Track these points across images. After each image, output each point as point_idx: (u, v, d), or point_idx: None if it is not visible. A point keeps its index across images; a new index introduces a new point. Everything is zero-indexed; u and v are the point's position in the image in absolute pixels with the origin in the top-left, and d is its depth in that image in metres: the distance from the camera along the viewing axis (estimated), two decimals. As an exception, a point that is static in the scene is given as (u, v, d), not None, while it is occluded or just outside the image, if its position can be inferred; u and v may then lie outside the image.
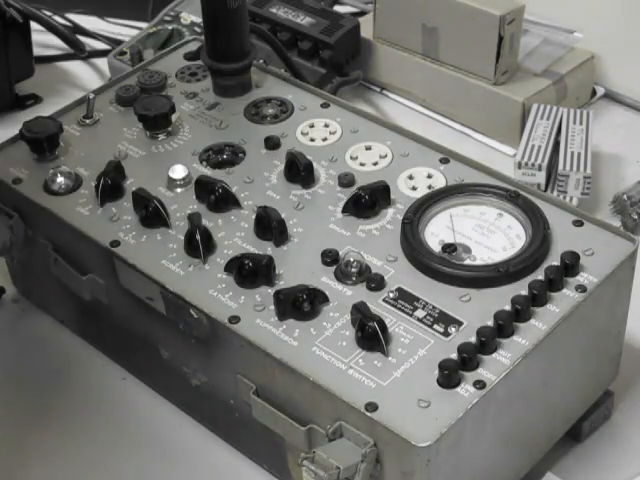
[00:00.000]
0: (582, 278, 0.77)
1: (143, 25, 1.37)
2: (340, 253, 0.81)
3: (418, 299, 0.77)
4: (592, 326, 0.79)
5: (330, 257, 0.80)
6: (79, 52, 1.28)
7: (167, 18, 1.32)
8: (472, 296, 0.77)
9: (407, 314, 0.76)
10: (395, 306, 0.77)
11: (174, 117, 0.94)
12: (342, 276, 0.79)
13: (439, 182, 0.87)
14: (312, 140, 0.93)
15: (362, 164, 0.90)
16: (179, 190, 0.88)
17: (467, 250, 0.80)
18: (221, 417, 0.84)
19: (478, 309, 0.76)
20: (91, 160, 0.92)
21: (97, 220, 0.86)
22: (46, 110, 1.03)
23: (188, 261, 0.81)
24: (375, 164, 0.90)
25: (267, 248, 0.82)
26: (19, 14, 1.22)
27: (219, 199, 0.85)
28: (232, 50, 0.97)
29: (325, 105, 0.97)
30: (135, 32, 1.36)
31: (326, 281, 0.79)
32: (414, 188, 0.87)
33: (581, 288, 0.77)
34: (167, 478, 0.85)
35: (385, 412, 0.69)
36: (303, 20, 1.26)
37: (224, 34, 0.96)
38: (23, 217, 0.90)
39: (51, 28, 1.26)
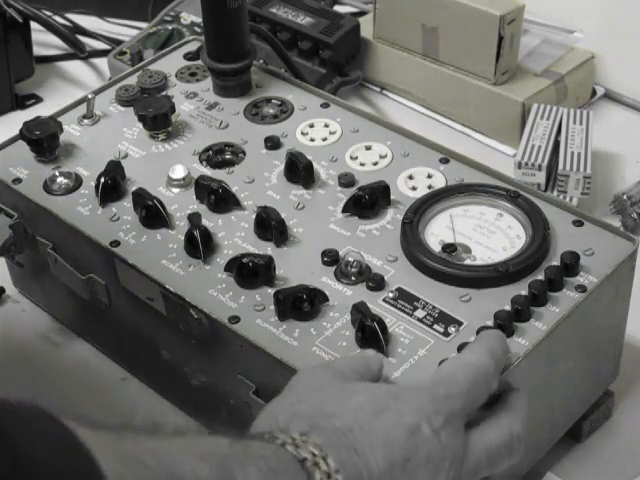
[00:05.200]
0: (582, 278, 0.77)
1: (143, 25, 1.37)
2: (340, 253, 0.81)
3: (418, 299, 0.77)
4: (592, 326, 0.79)
5: (330, 257, 0.80)
6: (79, 52, 1.28)
7: (167, 18, 1.32)
8: (472, 296, 0.77)
9: (407, 314, 0.76)
10: (395, 306, 0.77)
11: (174, 117, 0.94)
12: (342, 276, 0.79)
13: (439, 182, 0.87)
14: (312, 140, 0.93)
15: (362, 164, 0.90)
16: (179, 190, 0.88)
17: (467, 250, 0.80)
18: (221, 417, 0.84)
19: (478, 309, 0.76)
20: (91, 160, 0.92)
21: (97, 220, 0.86)
22: (46, 110, 1.02)
23: (188, 261, 0.81)
24: (375, 164, 0.90)
25: (267, 248, 0.82)
26: (19, 14, 1.22)
27: (219, 199, 0.85)
28: (232, 50, 0.97)
29: (325, 105, 0.97)
30: (135, 32, 1.36)
31: (326, 281, 0.79)
32: (414, 188, 0.87)
33: (581, 288, 0.77)
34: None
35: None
36: (303, 20, 1.26)
37: (224, 34, 0.96)
38: (23, 217, 0.90)
39: (51, 28, 1.26)
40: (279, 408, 0.64)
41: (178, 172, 0.88)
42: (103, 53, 1.34)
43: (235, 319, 0.76)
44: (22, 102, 1.28)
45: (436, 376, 0.66)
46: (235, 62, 0.97)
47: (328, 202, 0.86)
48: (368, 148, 0.91)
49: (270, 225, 0.82)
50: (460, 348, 0.72)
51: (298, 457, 0.57)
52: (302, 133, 0.94)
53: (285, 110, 0.97)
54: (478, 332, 0.73)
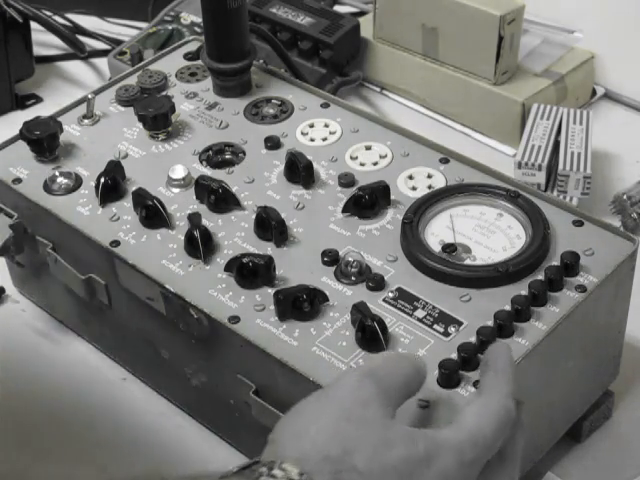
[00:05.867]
0: (582, 278, 0.77)
1: (143, 25, 1.37)
2: (340, 253, 0.81)
3: (418, 299, 0.77)
4: (592, 326, 0.79)
5: (330, 257, 0.80)
6: (79, 52, 1.28)
7: (167, 18, 1.32)
8: (472, 296, 0.77)
9: (407, 314, 0.76)
10: (395, 306, 0.77)
11: (174, 117, 0.94)
12: (342, 276, 0.79)
13: (439, 182, 0.87)
14: (312, 140, 0.93)
15: (362, 164, 0.90)
16: (179, 190, 0.88)
17: (467, 250, 0.80)
18: (221, 417, 0.84)
19: (478, 309, 0.76)
20: (91, 160, 0.92)
21: (97, 220, 0.86)
22: (46, 110, 1.02)
23: (188, 261, 0.81)
24: (375, 164, 0.90)
25: (267, 248, 0.82)
26: (19, 14, 1.22)
27: (219, 199, 0.85)
28: (232, 50, 0.97)
29: (325, 105, 0.97)
30: (135, 32, 1.36)
31: (326, 281, 0.79)
32: (414, 188, 0.87)
33: (581, 288, 0.77)
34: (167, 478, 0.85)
35: (385, 412, 0.69)
36: (303, 20, 1.26)
37: (224, 34, 0.96)
38: (23, 217, 0.90)
39: (51, 28, 1.26)
40: (311, 436, 0.60)
41: (178, 172, 0.88)
42: (103, 53, 1.34)
43: (235, 319, 0.76)
44: (22, 102, 1.28)
45: (463, 427, 0.63)
46: (235, 62, 0.97)
47: (328, 202, 0.86)
48: (368, 148, 0.91)
49: (270, 225, 0.82)
50: (460, 348, 0.72)
51: None
52: (302, 133, 0.94)
53: (285, 110, 0.97)
54: (478, 332, 0.73)
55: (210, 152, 0.92)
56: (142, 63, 1.05)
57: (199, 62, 1.02)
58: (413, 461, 0.60)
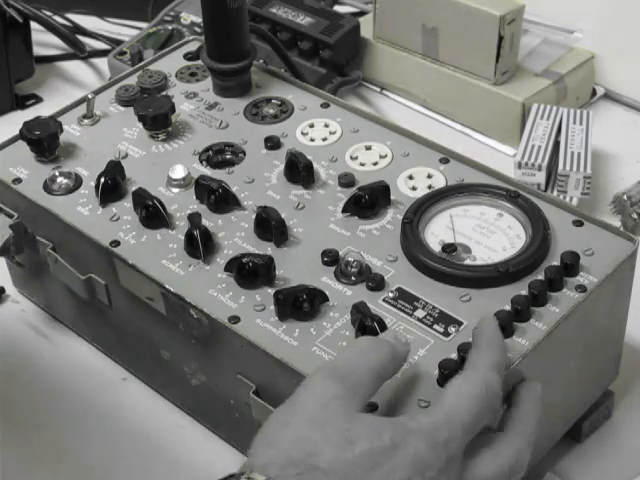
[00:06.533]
0: (582, 278, 0.77)
1: (143, 25, 1.38)
2: (340, 253, 0.81)
3: (418, 299, 0.77)
4: (592, 326, 0.79)
5: (330, 257, 0.80)
6: (79, 52, 1.28)
7: (167, 18, 1.32)
8: (472, 296, 0.77)
9: (407, 314, 0.76)
10: (395, 306, 0.77)
11: (174, 117, 0.94)
12: (342, 276, 0.79)
13: (439, 182, 0.87)
14: (312, 140, 0.93)
15: (362, 164, 0.90)
16: (179, 190, 0.88)
17: (467, 250, 0.80)
18: (221, 417, 0.84)
19: (478, 309, 0.76)
20: (91, 160, 0.92)
21: (97, 220, 0.86)
22: (46, 110, 1.02)
23: (188, 261, 0.81)
24: (375, 164, 0.90)
25: (267, 248, 0.82)
26: (19, 14, 1.22)
27: (219, 199, 0.85)
28: (232, 50, 0.97)
29: (325, 105, 0.97)
30: (135, 32, 1.36)
31: (326, 281, 0.79)
32: (414, 188, 0.87)
33: (581, 288, 0.77)
34: (167, 478, 0.85)
35: (385, 412, 0.69)
36: (303, 20, 1.26)
37: (224, 34, 0.96)
38: (23, 217, 0.90)
39: (51, 28, 1.26)
40: (278, 443, 0.61)
41: (178, 172, 0.88)
42: (103, 53, 1.34)
43: (235, 319, 0.76)
44: (22, 102, 1.28)
45: (438, 409, 0.64)
46: (235, 62, 0.97)
47: (328, 202, 0.86)
48: (368, 148, 0.91)
49: (270, 225, 0.82)
50: (460, 348, 0.72)
51: None
52: (302, 133, 0.94)
53: (285, 110, 0.97)
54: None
55: (210, 152, 0.92)
56: (142, 63, 1.05)
57: (199, 62, 1.02)
58: (377, 452, 0.60)
